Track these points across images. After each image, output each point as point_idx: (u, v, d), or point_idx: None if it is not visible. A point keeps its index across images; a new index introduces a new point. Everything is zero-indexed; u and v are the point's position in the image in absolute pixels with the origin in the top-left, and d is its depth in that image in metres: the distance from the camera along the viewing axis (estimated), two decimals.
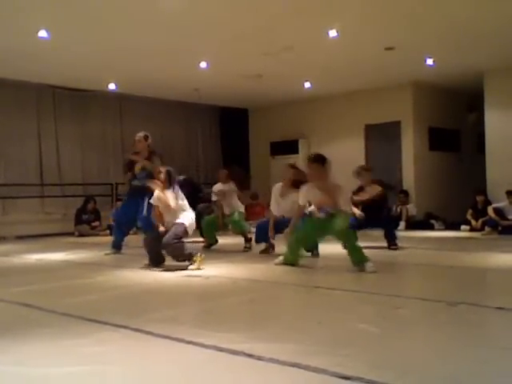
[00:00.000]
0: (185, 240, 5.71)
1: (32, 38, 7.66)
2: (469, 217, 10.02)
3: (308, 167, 5.68)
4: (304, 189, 5.72)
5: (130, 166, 7.36)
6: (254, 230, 10.62)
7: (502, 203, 9.57)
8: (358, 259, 5.25)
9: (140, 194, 7.03)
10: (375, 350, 2.75)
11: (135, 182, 7.26)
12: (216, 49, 8.70)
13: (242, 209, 7.93)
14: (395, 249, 6.99)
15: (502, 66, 10.11)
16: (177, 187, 5.79)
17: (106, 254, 7.17)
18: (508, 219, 9.35)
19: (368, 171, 7.57)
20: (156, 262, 5.82)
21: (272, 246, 6.92)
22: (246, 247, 7.48)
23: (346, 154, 11.15)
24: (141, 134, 7.32)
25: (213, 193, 7.94)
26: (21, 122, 10.96)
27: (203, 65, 9.45)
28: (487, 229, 9.38)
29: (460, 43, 8.71)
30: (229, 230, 8.07)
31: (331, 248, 6.41)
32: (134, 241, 7.59)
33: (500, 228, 9.28)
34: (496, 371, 2.42)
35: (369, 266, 5.12)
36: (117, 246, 7.29)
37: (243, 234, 7.68)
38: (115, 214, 7.33)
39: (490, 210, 9.51)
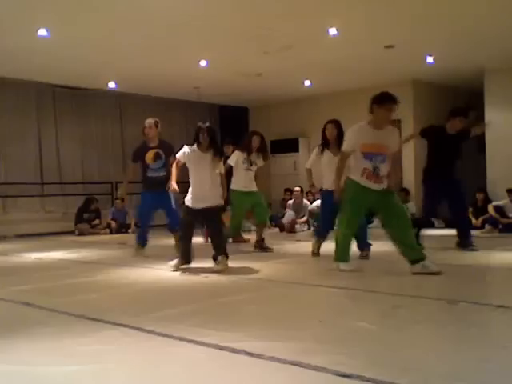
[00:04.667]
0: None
1: (32, 36, 7.65)
2: (469, 215, 10.00)
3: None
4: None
5: (140, 154, 6.70)
6: (254, 228, 10.71)
7: (503, 201, 9.57)
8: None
9: (159, 187, 6.48)
10: (376, 349, 2.75)
11: (150, 174, 6.61)
12: (216, 47, 8.69)
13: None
14: None
15: (503, 65, 10.10)
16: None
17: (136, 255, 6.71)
18: (508, 217, 9.34)
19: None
20: (186, 257, 5.56)
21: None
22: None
23: None
24: (151, 120, 6.67)
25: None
26: (21, 120, 10.96)
27: (203, 63, 9.45)
28: (487, 227, 9.38)
29: (460, 41, 8.70)
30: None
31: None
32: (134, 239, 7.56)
33: (500, 226, 9.28)
34: (496, 369, 2.42)
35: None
36: (144, 243, 6.80)
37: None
38: (138, 212, 7.07)
39: (490, 209, 9.50)
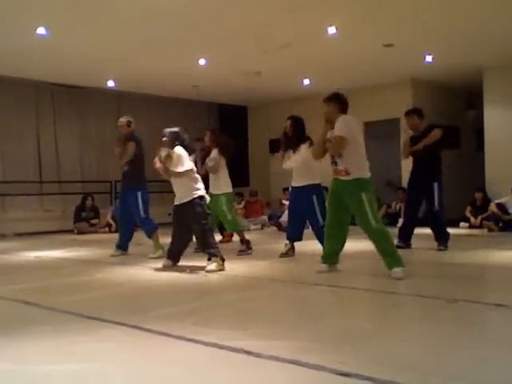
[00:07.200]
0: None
1: (30, 35, 7.64)
2: (468, 214, 10.02)
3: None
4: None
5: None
6: (253, 227, 10.72)
7: (504, 198, 9.56)
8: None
9: (124, 182, 6.74)
10: (374, 347, 2.75)
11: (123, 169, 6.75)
12: (215, 45, 8.68)
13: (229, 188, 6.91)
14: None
15: (501, 63, 10.11)
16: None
17: (112, 256, 6.70)
18: (509, 214, 9.34)
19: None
20: (174, 256, 5.58)
21: (293, 248, 6.29)
22: (241, 251, 6.63)
23: None
24: (123, 120, 6.78)
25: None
26: (19, 119, 10.96)
27: (202, 62, 9.44)
28: (487, 223, 9.35)
29: (459, 40, 8.70)
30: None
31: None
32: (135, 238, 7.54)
33: (500, 224, 9.25)
34: (495, 368, 2.43)
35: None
36: (121, 247, 6.80)
37: (237, 232, 6.91)
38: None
39: (492, 206, 9.49)
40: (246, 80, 10.96)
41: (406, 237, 6.84)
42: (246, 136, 14.28)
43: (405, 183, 11.40)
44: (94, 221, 11.00)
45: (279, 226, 10.51)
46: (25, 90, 10.97)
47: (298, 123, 6.42)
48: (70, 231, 10.72)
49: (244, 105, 14.11)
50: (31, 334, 3.12)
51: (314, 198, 6.06)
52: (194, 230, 5.47)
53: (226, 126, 13.80)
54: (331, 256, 5.08)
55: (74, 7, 6.84)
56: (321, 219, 5.92)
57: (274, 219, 11.04)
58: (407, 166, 11.51)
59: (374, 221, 4.70)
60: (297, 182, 6.21)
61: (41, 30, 7.51)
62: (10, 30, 7.62)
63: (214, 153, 6.87)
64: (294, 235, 6.29)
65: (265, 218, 11.28)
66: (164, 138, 5.57)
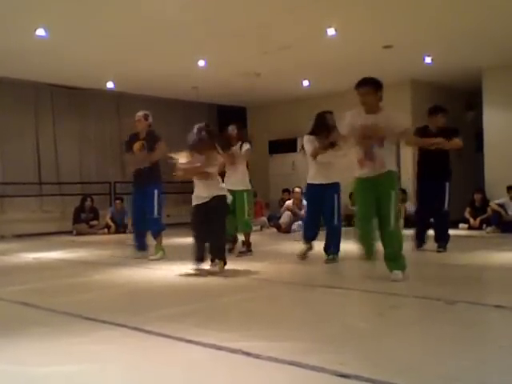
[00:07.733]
0: None
1: (30, 36, 7.63)
2: (467, 215, 10.03)
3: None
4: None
5: (130, 143, 6.53)
6: (253, 228, 10.67)
7: (502, 199, 9.59)
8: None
9: (141, 180, 6.43)
10: (373, 349, 2.75)
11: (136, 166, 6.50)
12: (214, 47, 8.68)
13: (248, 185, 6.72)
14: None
15: (501, 64, 10.11)
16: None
17: (136, 258, 6.42)
18: (508, 214, 9.34)
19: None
20: (201, 256, 5.24)
21: (311, 248, 6.09)
22: (241, 252, 6.58)
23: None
24: (140, 114, 6.55)
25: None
26: (19, 120, 10.96)
27: (201, 63, 9.44)
28: (489, 229, 9.34)
29: (458, 41, 8.71)
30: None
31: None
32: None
33: (500, 225, 9.25)
34: (494, 370, 2.43)
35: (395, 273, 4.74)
36: (138, 247, 6.59)
37: (245, 234, 6.72)
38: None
39: (492, 204, 9.50)
40: (245, 81, 10.96)
41: (423, 239, 6.83)
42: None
43: (403, 184, 11.44)
44: (93, 222, 10.98)
45: (279, 228, 10.52)
46: (24, 92, 10.97)
47: (315, 119, 6.37)
48: (69, 232, 10.70)
49: (243, 106, 14.10)
50: (30, 336, 3.12)
51: (336, 196, 5.94)
52: (211, 230, 5.19)
53: (225, 128, 13.79)
54: (372, 250, 4.90)
55: (73, 8, 6.84)
56: (336, 219, 5.88)
57: (273, 220, 11.04)
58: (406, 166, 11.55)
59: (393, 222, 4.69)
60: (322, 179, 5.92)
61: (40, 32, 7.51)
62: (10, 31, 7.62)
63: (247, 146, 6.81)
64: (312, 235, 6.07)
65: (264, 219, 11.28)
66: (201, 137, 5.23)
